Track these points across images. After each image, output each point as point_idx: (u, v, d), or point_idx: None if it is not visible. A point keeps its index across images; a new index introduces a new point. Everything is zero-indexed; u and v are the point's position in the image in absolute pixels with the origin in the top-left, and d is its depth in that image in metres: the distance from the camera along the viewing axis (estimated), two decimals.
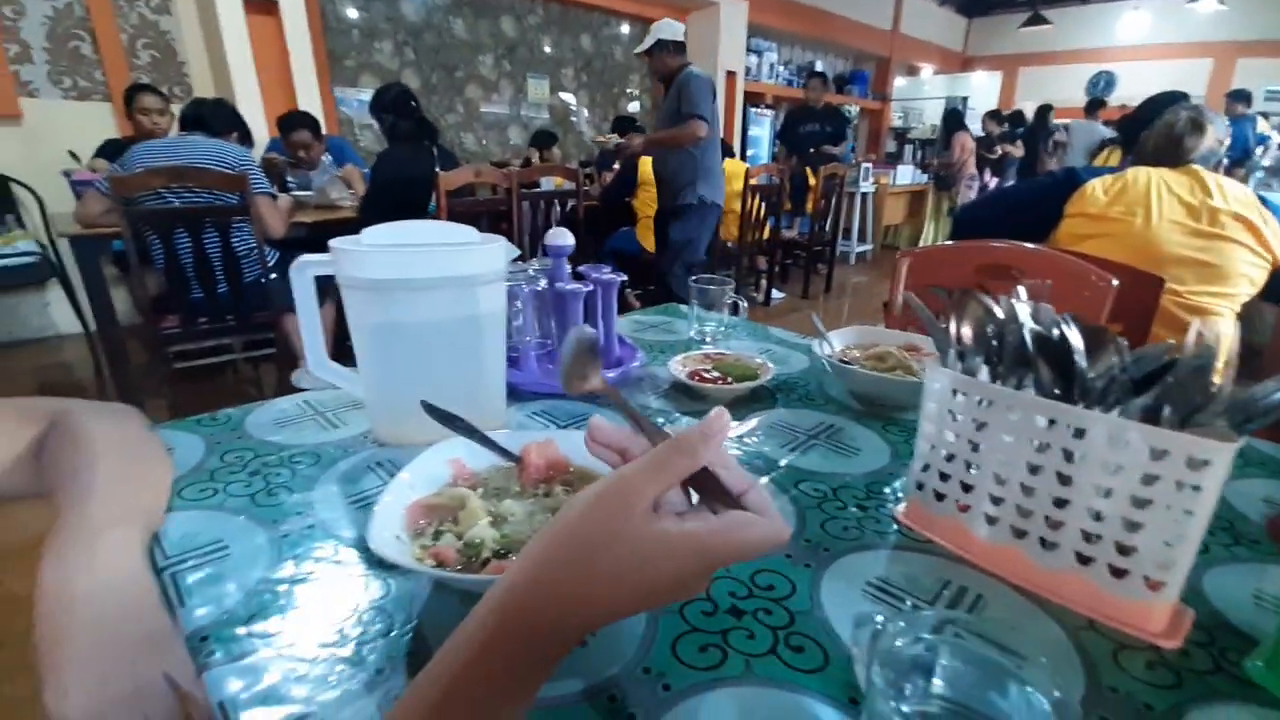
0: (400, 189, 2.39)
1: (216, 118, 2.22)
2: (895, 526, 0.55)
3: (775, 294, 4.59)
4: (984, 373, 0.49)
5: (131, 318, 2.71)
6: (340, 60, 4.02)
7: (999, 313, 0.49)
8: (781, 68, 7.33)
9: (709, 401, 0.82)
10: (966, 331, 0.51)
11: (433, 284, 0.62)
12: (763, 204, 3.87)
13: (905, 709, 0.26)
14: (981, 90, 8.12)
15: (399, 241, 0.63)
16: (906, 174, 6.80)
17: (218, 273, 1.98)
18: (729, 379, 0.83)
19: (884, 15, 7.88)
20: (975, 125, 6.77)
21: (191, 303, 1.99)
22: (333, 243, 0.62)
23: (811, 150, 4.94)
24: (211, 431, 0.69)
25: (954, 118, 6.84)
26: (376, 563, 0.49)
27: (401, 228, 0.65)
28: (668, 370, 0.86)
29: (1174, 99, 1.72)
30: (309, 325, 0.66)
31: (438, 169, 2.42)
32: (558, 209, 3.01)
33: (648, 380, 0.88)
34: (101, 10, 3.18)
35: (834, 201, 4.52)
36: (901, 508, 0.57)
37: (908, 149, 8.24)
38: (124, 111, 2.67)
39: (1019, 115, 6.81)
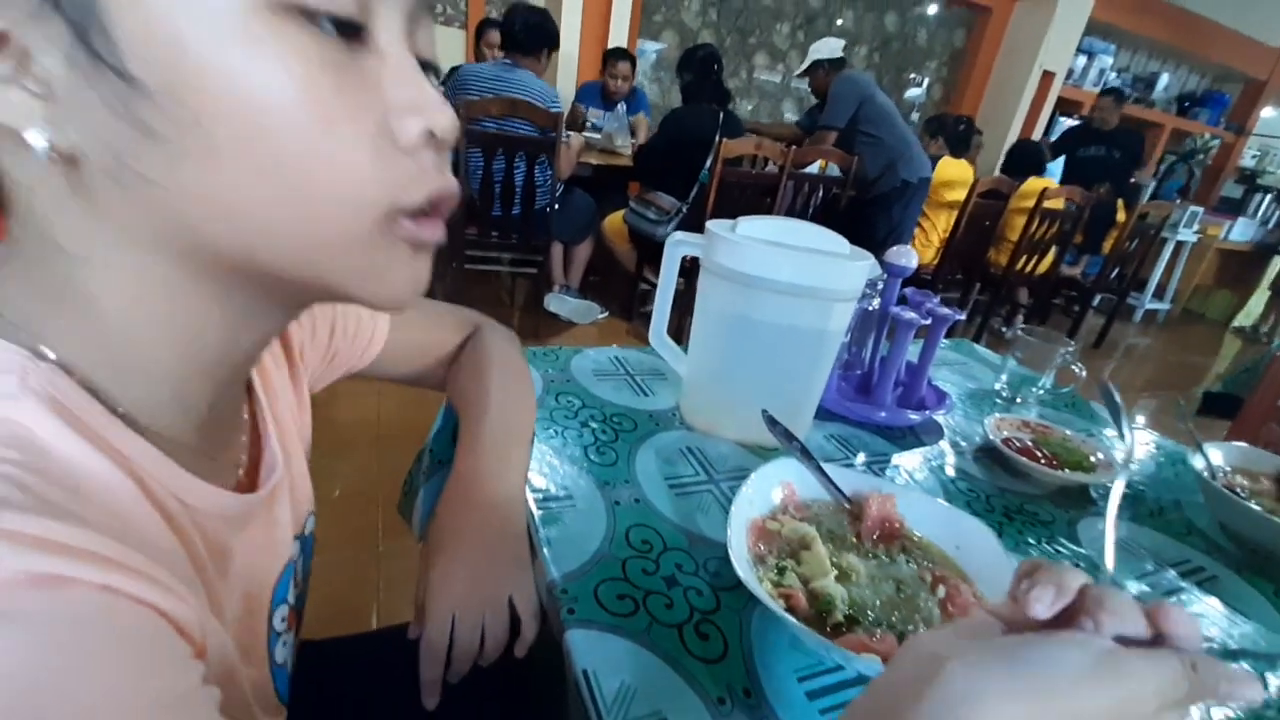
0: (680, 149, 2.43)
1: (531, 38, 2.26)
2: None
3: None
4: None
5: None
6: (650, 14, 4.17)
7: None
8: (1113, 75, 6.17)
9: (1027, 481, 0.71)
10: None
11: (797, 290, 0.59)
12: (1051, 231, 3.34)
13: None
14: None
15: (771, 238, 0.61)
16: (1246, 229, 5.46)
17: (517, 196, 2.21)
18: (1058, 462, 0.72)
19: (1276, 28, 6.22)
20: None
21: (490, 218, 2.25)
22: (709, 224, 0.62)
23: (1102, 180, 4.11)
24: (545, 368, 0.75)
25: None
26: (703, 566, 0.48)
27: (775, 224, 0.62)
28: (979, 427, 0.77)
29: None
30: (663, 297, 0.68)
31: (720, 135, 2.41)
32: (820, 194, 2.87)
33: (950, 433, 0.79)
34: None
35: (1143, 246, 3.77)
36: None
37: (1255, 198, 6.56)
38: (473, 40, 3.00)
39: None
